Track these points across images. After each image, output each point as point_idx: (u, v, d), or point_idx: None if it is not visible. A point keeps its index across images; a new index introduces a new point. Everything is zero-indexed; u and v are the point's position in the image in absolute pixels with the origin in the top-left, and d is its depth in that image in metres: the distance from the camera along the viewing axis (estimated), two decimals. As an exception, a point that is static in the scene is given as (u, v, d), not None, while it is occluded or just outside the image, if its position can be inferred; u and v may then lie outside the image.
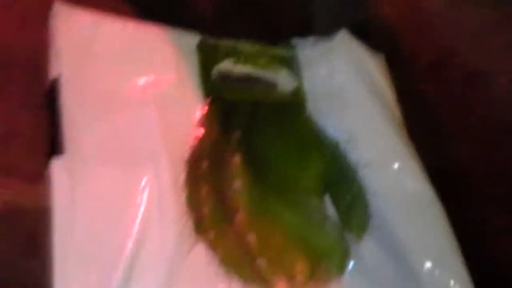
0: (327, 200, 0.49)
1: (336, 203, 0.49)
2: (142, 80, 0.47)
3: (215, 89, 0.50)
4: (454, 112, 0.59)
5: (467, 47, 0.64)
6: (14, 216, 0.39)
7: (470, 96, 0.62)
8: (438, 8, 0.65)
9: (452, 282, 0.46)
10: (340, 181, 0.50)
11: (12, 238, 0.38)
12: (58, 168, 0.41)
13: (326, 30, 0.55)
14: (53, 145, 0.42)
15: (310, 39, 0.55)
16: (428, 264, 0.47)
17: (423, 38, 0.62)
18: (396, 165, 0.50)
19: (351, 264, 0.46)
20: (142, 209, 0.41)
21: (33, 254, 0.38)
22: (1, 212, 0.39)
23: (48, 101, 0.43)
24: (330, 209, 0.48)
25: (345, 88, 0.53)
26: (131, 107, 0.45)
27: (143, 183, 0.42)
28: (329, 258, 0.45)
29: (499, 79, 0.64)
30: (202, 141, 0.47)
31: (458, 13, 0.66)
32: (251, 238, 0.44)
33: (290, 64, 0.54)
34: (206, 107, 0.48)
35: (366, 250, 0.47)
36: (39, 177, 0.41)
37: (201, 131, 0.47)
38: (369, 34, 0.57)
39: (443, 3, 0.65)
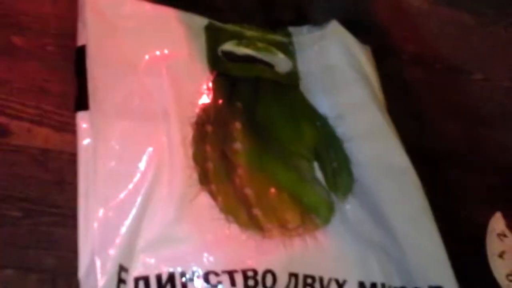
0: (316, 165, 0.55)
1: (323, 168, 0.55)
2: (156, 53, 0.52)
3: (220, 65, 0.56)
4: (434, 99, 0.66)
5: (447, 45, 0.71)
6: (44, 159, 0.45)
7: (449, 87, 0.68)
8: (420, 8, 0.72)
9: (424, 239, 0.53)
10: (328, 151, 0.56)
11: (43, 177, 0.44)
12: (83, 121, 0.47)
13: (318, 21, 0.62)
14: (79, 102, 0.48)
15: (305, 28, 0.62)
16: (403, 223, 0.53)
17: (406, 34, 0.69)
18: (377, 139, 0.57)
19: (335, 217, 0.52)
20: (154, 158, 0.47)
21: (61, 190, 0.44)
22: (34, 155, 0.44)
23: (75, 65, 0.49)
24: (319, 173, 0.55)
25: (334, 70, 0.59)
26: (146, 74, 0.51)
27: (155, 137, 0.48)
28: (316, 210, 0.51)
29: (475, 75, 0.72)
30: (207, 108, 0.53)
31: (439, 15, 0.73)
32: (249, 191, 0.50)
33: (287, 48, 0.60)
34: (212, 80, 0.54)
35: (349, 207, 0.53)
36: (66, 128, 0.47)
37: (207, 99, 0.53)
38: (357, 28, 0.63)
39: (425, 5, 0.72)
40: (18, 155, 0.44)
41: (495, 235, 0.59)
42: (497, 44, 0.75)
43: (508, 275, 0.57)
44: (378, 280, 0.50)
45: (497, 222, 0.60)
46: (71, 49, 0.50)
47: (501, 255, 0.58)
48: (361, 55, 0.61)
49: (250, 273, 0.45)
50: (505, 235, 0.59)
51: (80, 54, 0.49)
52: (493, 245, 0.58)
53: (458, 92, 0.68)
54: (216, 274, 0.44)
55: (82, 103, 0.47)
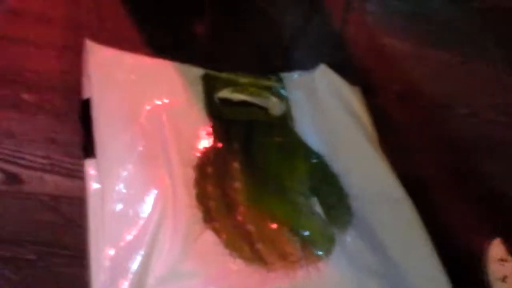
0: (315, 201, 0.57)
1: (322, 203, 0.57)
2: (156, 102, 0.56)
3: (217, 110, 0.59)
4: (420, 132, 0.69)
5: (431, 82, 0.75)
6: (55, 204, 0.47)
7: (434, 121, 0.72)
8: (403, 51, 0.76)
9: (424, 265, 0.55)
10: (325, 186, 0.59)
11: (54, 221, 0.46)
12: (90, 168, 0.50)
13: (307, 66, 0.66)
14: (86, 150, 0.51)
15: (295, 72, 0.65)
16: (403, 251, 0.55)
17: (391, 74, 0.73)
18: (371, 173, 0.60)
19: (336, 249, 0.54)
20: (159, 200, 0.49)
21: (72, 233, 0.46)
22: (46, 201, 0.47)
23: (82, 116, 0.52)
24: (318, 208, 0.57)
25: (326, 110, 0.62)
26: (147, 122, 0.54)
27: (159, 179, 0.51)
28: (316, 243, 0.53)
29: (460, 110, 0.75)
30: (207, 150, 0.56)
31: (421, 55, 0.77)
32: (250, 227, 0.52)
33: (279, 92, 0.63)
34: (210, 125, 0.58)
35: (349, 239, 0.55)
36: (75, 175, 0.49)
37: (206, 143, 0.56)
38: (344, 71, 0.67)
39: (407, 47, 0.76)
40: (30, 201, 0.46)
41: (496, 261, 0.61)
42: (480, 79, 0.79)
43: (510, 299, 0.59)
44: (380, 307, 0.52)
45: (497, 248, 0.62)
46: (77, 102, 0.53)
47: (503, 280, 0.59)
48: (351, 94, 0.65)
49: (256, 304, 0.47)
50: (505, 260, 0.61)
51: (86, 106, 0.53)
52: (495, 271, 0.60)
53: (444, 126, 0.71)
54: (224, 307, 0.46)
55: (89, 151, 0.50)
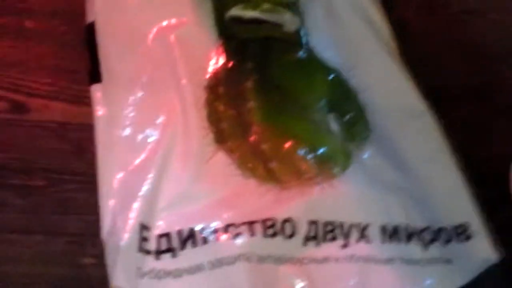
0: (332, 117, 0.56)
1: (339, 120, 0.55)
2: (164, 23, 0.54)
3: (228, 30, 0.57)
4: (446, 41, 0.65)
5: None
6: (63, 131, 0.47)
7: (461, 29, 0.67)
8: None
9: (445, 179, 0.53)
10: (343, 102, 0.56)
11: (63, 148, 0.46)
12: (97, 93, 0.49)
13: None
14: (92, 75, 0.50)
15: (310, -15, 0.62)
16: (423, 166, 0.53)
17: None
18: (391, 86, 0.57)
19: (353, 166, 0.52)
20: (169, 122, 0.49)
21: (81, 158, 0.46)
22: (53, 128, 0.47)
23: (87, 41, 0.51)
24: (334, 125, 0.55)
25: (342, 23, 0.59)
26: (155, 44, 0.52)
27: (169, 102, 0.50)
28: (333, 159, 0.52)
29: (489, 15, 0.70)
30: (218, 71, 0.54)
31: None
32: (264, 146, 0.51)
33: (293, 7, 0.60)
34: (221, 44, 0.56)
35: (367, 155, 0.53)
36: (81, 101, 0.49)
37: (217, 63, 0.54)
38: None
39: None
40: (38, 129, 0.46)
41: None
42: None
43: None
44: (401, 223, 0.51)
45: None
46: (81, 27, 0.52)
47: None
48: (369, 4, 0.61)
49: (269, 223, 0.46)
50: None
51: (90, 30, 0.51)
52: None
53: (472, 33, 0.67)
54: (236, 226, 0.46)
55: (95, 76, 0.49)
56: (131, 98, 0.49)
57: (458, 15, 0.68)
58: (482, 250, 0.50)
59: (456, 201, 0.52)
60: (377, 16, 0.61)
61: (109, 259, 0.43)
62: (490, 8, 0.70)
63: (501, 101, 0.63)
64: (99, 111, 0.48)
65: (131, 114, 0.48)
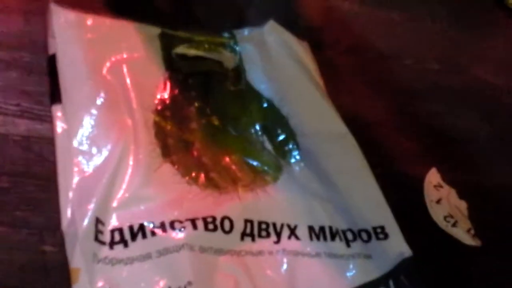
0: (265, 139, 0.63)
1: (271, 141, 0.63)
2: (117, 56, 0.61)
3: (174, 64, 0.65)
4: (368, 80, 0.75)
5: (379, 38, 0.81)
6: (27, 144, 0.53)
7: (381, 70, 0.78)
8: (351, 10, 0.82)
9: (364, 189, 0.61)
10: (275, 126, 0.65)
11: (26, 157, 0.52)
12: (57, 111, 0.55)
13: (257, 24, 0.72)
14: (53, 97, 0.56)
15: (246, 29, 0.71)
16: (345, 178, 0.61)
17: (339, 31, 0.79)
18: (317, 113, 0.66)
19: (284, 176, 0.60)
20: (121, 137, 0.55)
21: (43, 166, 0.52)
22: (18, 141, 0.53)
23: (49, 69, 0.58)
24: (268, 144, 0.63)
25: (274, 60, 0.68)
26: (109, 73, 0.59)
27: (121, 120, 0.57)
28: (265, 170, 0.60)
29: (405, 60, 0.81)
30: (165, 98, 0.61)
31: (369, 14, 0.83)
32: (205, 159, 0.58)
33: (232, 47, 0.69)
34: (168, 76, 0.63)
35: (296, 169, 0.61)
36: (44, 119, 0.55)
37: (164, 91, 0.62)
38: (293, 28, 0.73)
39: (355, 7, 0.82)
40: (5, 141, 0.52)
41: (432, 186, 0.67)
42: (426, 34, 0.85)
43: (445, 217, 0.65)
44: (326, 224, 0.58)
45: (433, 176, 0.68)
46: (44, 58, 0.59)
47: (438, 202, 0.66)
48: (298, 47, 0.71)
49: (209, 219, 0.53)
50: (441, 186, 0.67)
51: (52, 61, 0.58)
52: (430, 194, 0.66)
53: (390, 74, 0.78)
54: (180, 222, 0.52)
55: (56, 98, 0.56)
56: (87, 117, 0.55)
57: (377, 59, 0.79)
58: (397, 247, 0.58)
59: (374, 208, 0.60)
60: (305, 55, 0.71)
61: (68, 246, 0.48)
62: (406, 54, 0.81)
63: (416, 129, 0.72)
64: (59, 128, 0.54)
65: (87, 131, 0.54)
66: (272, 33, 0.70)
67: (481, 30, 0.89)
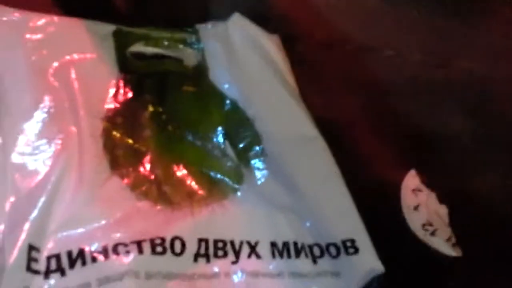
0: (227, 144, 0.59)
1: (235, 146, 0.59)
2: (65, 58, 0.57)
3: (129, 65, 0.60)
4: (343, 76, 0.70)
5: (357, 29, 0.76)
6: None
7: (358, 64, 0.72)
8: (327, 0, 0.76)
9: (334, 199, 0.56)
10: (239, 130, 0.60)
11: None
12: (-7, 123, 0.51)
13: (224, 17, 0.66)
14: (-11, 107, 0.52)
15: (210, 23, 0.66)
16: (313, 187, 0.56)
17: (313, 22, 0.73)
18: (285, 115, 0.61)
19: (244, 187, 0.55)
20: (64, 150, 0.51)
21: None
22: None
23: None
24: (230, 151, 0.58)
25: (239, 57, 0.63)
26: (55, 78, 0.55)
27: (65, 130, 0.52)
28: (224, 181, 0.55)
29: (385, 52, 0.76)
30: (117, 103, 0.57)
31: (346, 3, 0.77)
32: (158, 171, 0.54)
33: (194, 44, 0.64)
34: (121, 79, 0.58)
35: (259, 177, 0.57)
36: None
37: (116, 96, 0.57)
38: (264, 21, 0.67)
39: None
40: None
41: (409, 191, 0.62)
42: (408, 23, 0.80)
43: (423, 225, 0.60)
44: (290, 239, 0.53)
45: (412, 179, 0.63)
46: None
47: (416, 208, 0.61)
48: (266, 41, 0.65)
49: (158, 241, 0.48)
50: (419, 190, 0.63)
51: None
52: (408, 200, 0.61)
53: (368, 69, 0.72)
54: (125, 245, 0.47)
55: (-9, 108, 0.51)
56: (26, 128, 0.51)
57: (355, 51, 0.74)
58: (368, 262, 0.53)
59: (343, 219, 0.55)
60: (274, 51, 0.66)
61: (-4, 279, 0.44)
62: (387, 46, 0.76)
63: (393, 129, 0.67)
64: (-7, 141, 0.50)
65: (25, 143, 0.50)
66: (238, 27, 0.65)
67: (472, 19, 0.83)
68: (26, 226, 0.46)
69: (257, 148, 0.59)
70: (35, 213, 0.47)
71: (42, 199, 0.48)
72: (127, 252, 0.47)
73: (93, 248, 0.47)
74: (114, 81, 0.58)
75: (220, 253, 0.50)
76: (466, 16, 0.83)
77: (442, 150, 0.67)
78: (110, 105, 0.56)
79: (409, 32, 0.79)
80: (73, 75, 0.56)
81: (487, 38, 0.82)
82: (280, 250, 0.52)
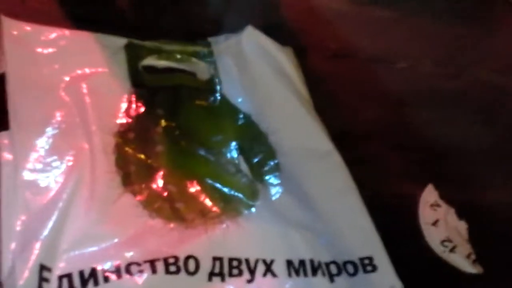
0: (241, 159, 0.58)
1: (248, 161, 0.57)
2: (77, 72, 0.56)
3: (141, 79, 0.59)
4: (357, 88, 0.69)
5: (369, 39, 0.75)
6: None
7: (371, 76, 0.71)
8: (340, 10, 0.75)
9: (350, 215, 0.55)
10: (253, 145, 0.59)
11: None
12: (4, 139, 0.50)
13: (237, 29, 0.66)
14: (1, 124, 0.51)
15: (222, 36, 0.65)
16: (329, 203, 0.55)
17: (326, 33, 0.72)
18: (299, 129, 0.60)
19: (258, 204, 0.54)
20: (76, 166, 0.50)
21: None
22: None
23: (-4, 91, 0.53)
24: (244, 166, 0.57)
25: (252, 71, 0.62)
26: (66, 93, 0.54)
27: (77, 147, 0.51)
28: (238, 198, 0.54)
29: (398, 64, 0.74)
30: (129, 117, 0.56)
31: (359, 13, 0.76)
32: (171, 187, 0.53)
33: (207, 57, 0.63)
34: (133, 93, 0.58)
35: (274, 194, 0.55)
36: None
37: (128, 110, 0.56)
38: (277, 32, 0.66)
39: (344, 6, 0.76)
40: None
41: (428, 206, 0.61)
42: (421, 33, 0.78)
43: (442, 241, 0.59)
44: (307, 257, 0.52)
45: (430, 194, 0.62)
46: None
47: (434, 224, 0.60)
48: (280, 54, 0.64)
49: (171, 260, 0.47)
50: (438, 205, 0.61)
51: (0, 81, 0.53)
52: (426, 215, 0.60)
53: (381, 80, 0.71)
54: (138, 264, 0.46)
55: (2, 124, 0.50)
56: (38, 145, 0.50)
57: (369, 63, 0.72)
58: (387, 281, 0.52)
59: (361, 236, 0.54)
60: (287, 63, 0.64)
61: (6, 300, 0.43)
62: (400, 57, 0.74)
63: (408, 141, 0.66)
64: (5, 157, 0.49)
65: (37, 159, 0.49)
66: (251, 40, 0.64)
67: (485, 29, 0.82)
68: (37, 245, 0.45)
69: (272, 162, 0.58)
70: (46, 232, 0.46)
71: (54, 218, 0.47)
72: (140, 272, 0.46)
73: (105, 268, 0.46)
74: (126, 96, 0.57)
75: (235, 271, 0.49)
76: (480, 26, 0.82)
77: (458, 162, 0.65)
78: (122, 120, 0.55)
79: (422, 42, 0.77)
80: (84, 90, 0.55)
81: (501, 48, 0.81)
82: (297, 268, 0.51)
